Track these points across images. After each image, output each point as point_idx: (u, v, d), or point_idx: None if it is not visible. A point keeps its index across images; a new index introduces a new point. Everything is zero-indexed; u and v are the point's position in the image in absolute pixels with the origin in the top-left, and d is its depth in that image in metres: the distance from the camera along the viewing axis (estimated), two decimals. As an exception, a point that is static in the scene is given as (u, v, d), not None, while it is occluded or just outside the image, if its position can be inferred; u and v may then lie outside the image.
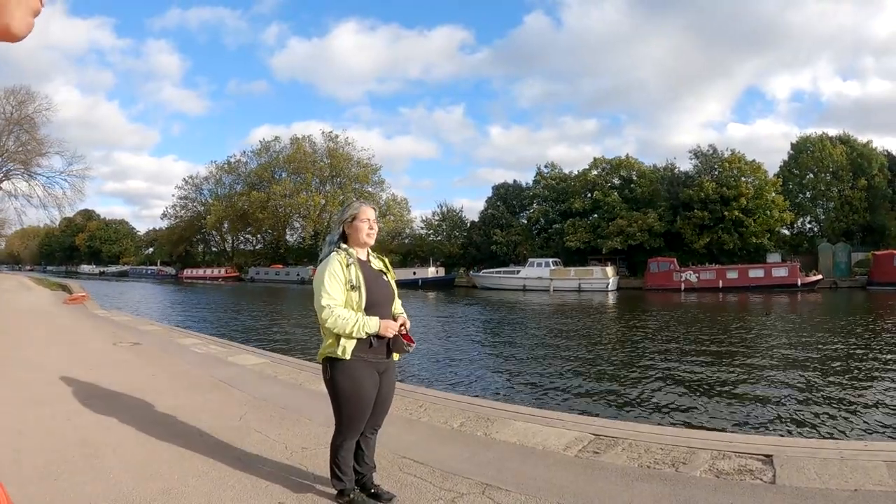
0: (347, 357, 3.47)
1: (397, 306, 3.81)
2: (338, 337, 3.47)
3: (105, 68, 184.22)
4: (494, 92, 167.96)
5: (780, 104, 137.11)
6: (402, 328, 3.67)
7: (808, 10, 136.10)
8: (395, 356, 3.75)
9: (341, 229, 3.71)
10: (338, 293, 3.47)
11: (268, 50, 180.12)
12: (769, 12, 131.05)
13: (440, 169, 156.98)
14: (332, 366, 3.53)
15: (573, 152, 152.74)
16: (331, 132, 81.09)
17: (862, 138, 58.44)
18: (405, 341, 3.65)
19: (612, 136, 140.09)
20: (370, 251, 3.81)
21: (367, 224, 3.68)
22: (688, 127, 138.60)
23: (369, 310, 3.51)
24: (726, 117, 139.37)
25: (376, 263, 3.80)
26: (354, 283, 3.50)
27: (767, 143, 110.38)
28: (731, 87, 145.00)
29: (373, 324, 3.46)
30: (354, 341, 3.47)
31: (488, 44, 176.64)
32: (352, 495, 3.63)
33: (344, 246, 3.65)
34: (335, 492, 3.66)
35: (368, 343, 3.52)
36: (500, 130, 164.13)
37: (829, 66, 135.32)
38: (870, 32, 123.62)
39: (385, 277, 3.77)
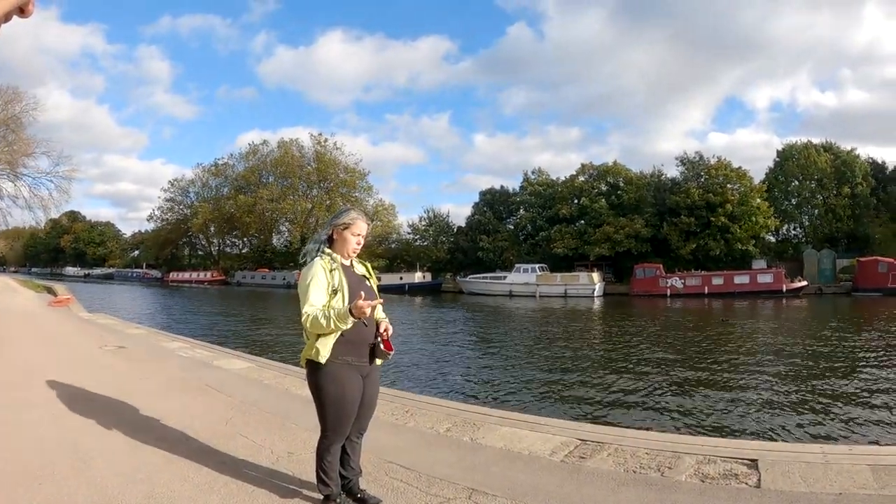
0: (322, 360, 3.44)
1: (379, 312, 3.79)
2: (317, 338, 3.46)
3: (97, 73, 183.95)
4: (480, 100, 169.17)
5: (760, 114, 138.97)
6: (385, 333, 3.67)
7: (787, 23, 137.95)
8: (378, 361, 3.75)
9: (331, 232, 3.70)
10: (320, 299, 3.46)
11: (256, 57, 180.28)
12: (749, 24, 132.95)
13: (427, 175, 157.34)
14: (315, 369, 3.52)
15: (558, 159, 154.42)
16: (319, 135, 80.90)
17: (846, 146, 59.16)
18: (384, 348, 3.65)
19: (597, 143, 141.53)
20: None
21: (357, 239, 3.68)
22: (670, 135, 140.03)
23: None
24: (707, 126, 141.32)
25: (359, 268, 3.80)
26: (337, 287, 3.49)
27: (749, 151, 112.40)
28: (712, 96, 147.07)
29: (344, 311, 3.33)
30: (331, 344, 3.45)
31: (473, 53, 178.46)
32: (338, 500, 3.61)
33: (328, 251, 3.65)
34: (321, 497, 3.64)
35: (346, 352, 3.52)
36: (486, 138, 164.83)
37: (807, 76, 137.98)
38: (847, 44, 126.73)
39: (367, 283, 3.76)
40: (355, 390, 3.57)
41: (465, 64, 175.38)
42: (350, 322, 3.36)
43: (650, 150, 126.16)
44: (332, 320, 3.33)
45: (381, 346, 3.63)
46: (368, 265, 3.92)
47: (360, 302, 3.30)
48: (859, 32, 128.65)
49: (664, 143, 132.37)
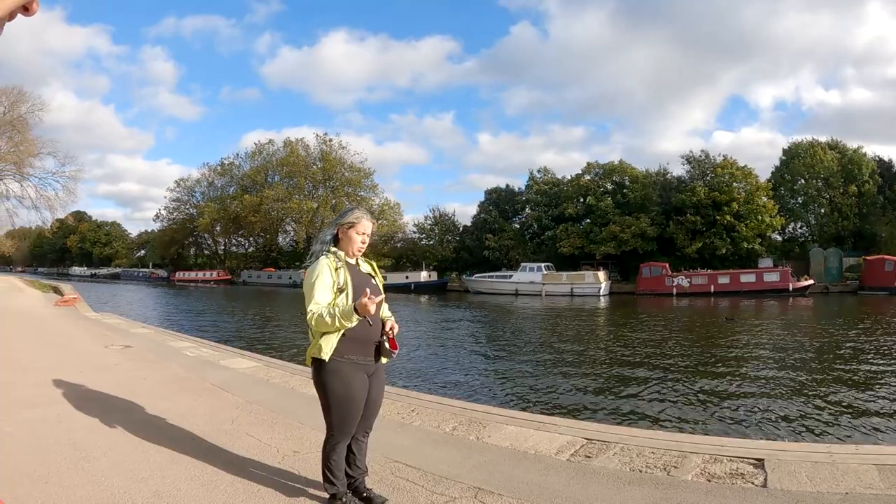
0: (326, 358, 3.45)
1: (385, 310, 3.80)
2: (321, 336, 3.46)
3: (101, 73, 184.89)
4: (483, 100, 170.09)
5: (764, 112, 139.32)
6: (391, 332, 3.67)
7: (788, 22, 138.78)
8: (384, 359, 3.75)
9: (336, 231, 3.70)
10: (325, 297, 3.46)
11: (259, 58, 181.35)
12: (750, 24, 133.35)
13: (431, 174, 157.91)
14: (320, 367, 3.52)
15: (561, 159, 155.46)
16: (324, 135, 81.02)
17: (852, 144, 58.94)
18: (390, 347, 3.65)
19: (600, 143, 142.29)
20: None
21: (362, 238, 3.68)
22: (673, 134, 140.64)
23: (358, 315, 3.50)
24: (711, 125, 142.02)
25: (364, 267, 3.80)
26: (342, 285, 3.50)
27: (754, 150, 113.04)
28: (715, 96, 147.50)
29: (349, 310, 3.35)
30: (335, 342, 3.46)
31: (475, 54, 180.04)
32: (344, 499, 3.61)
33: (334, 249, 3.65)
34: (327, 496, 3.64)
35: (351, 350, 3.52)
36: (490, 137, 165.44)
37: (810, 75, 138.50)
38: (849, 43, 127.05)
39: (373, 281, 3.75)
40: (361, 389, 3.57)
41: (469, 64, 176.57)
42: (355, 320, 3.37)
43: (653, 149, 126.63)
44: (336, 318, 3.34)
45: (387, 344, 3.63)
46: (374, 264, 3.92)
47: (365, 300, 3.31)
48: (862, 31, 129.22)
49: (667, 143, 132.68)
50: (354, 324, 3.40)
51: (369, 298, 3.32)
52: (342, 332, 3.46)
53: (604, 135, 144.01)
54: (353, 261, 3.70)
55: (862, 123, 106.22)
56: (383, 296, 3.61)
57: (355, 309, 3.34)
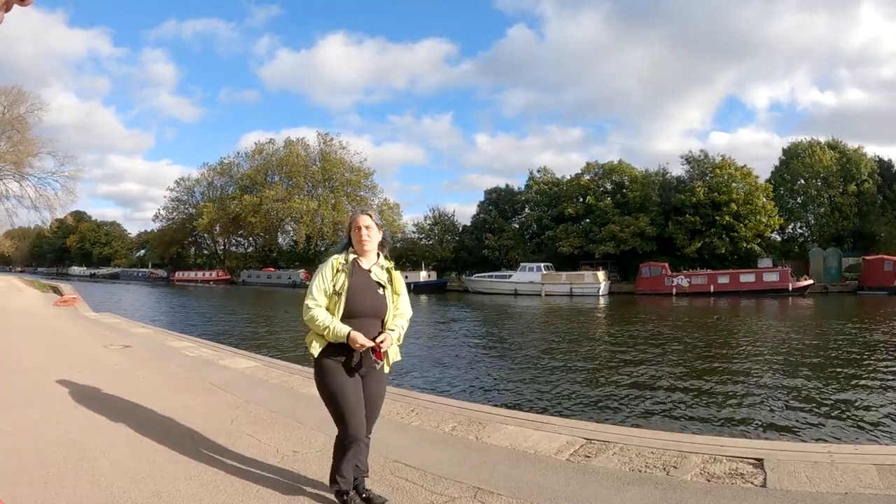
0: (315, 354, 3.54)
1: (392, 321, 3.75)
2: (313, 334, 3.56)
3: (102, 75, 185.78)
4: (481, 101, 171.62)
5: (760, 113, 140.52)
6: (380, 345, 3.56)
7: (784, 23, 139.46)
8: (386, 363, 3.75)
9: (348, 237, 3.78)
10: (321, 296, 3.55)
11: (258, 60, 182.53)
12: (746, 25, 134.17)
13: (429, 175, 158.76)
14: (315, 363, 3.60)
15: (559, 159, 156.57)
16: (325, 134, 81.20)
17: (852, 144, 58.98)
18: (374, 357, 3.55)
19: (597, 143, 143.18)
20: (383, 259, 3.82)
21: (359, 231, 3.69)
22: (670, 134, 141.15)
23: (348, 320, 3.51)
24: (708, 126, 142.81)
25: (379, 274, 3.74)
26: (337, 289, 3.54)
27: (750, 150, 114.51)
28: (711, 96, 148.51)
29: (342, 333, 3.44)
30: (324, 341, 3.53)
31: (473, 56, 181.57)
32: (345, 498, 3.61)
33: (351, 249, 3.73)
34: (327, 495, 3.65)
35: (339, 350, 3.54)
36: (487, 138, 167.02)
37: (805, 76, 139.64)
38: (845, 45, 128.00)
39: (380, 290, 3.70)
40: (352, 387, 3.56)
41: (466, 66, 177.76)
42: (342, 340, 3.48)
43: (650, 150, 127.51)
44: (329, 331, 3.48)
45: (371, 353, 3.54)
46: (395, 273, 3.85)
47: (360, 340, 3.44)
48: (856, 33, 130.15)
49: (664, 143, 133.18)
50: (342, 341, 3.50)
51: (362, 344, 3.46)
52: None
53: (601, 135, 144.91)
54: (367, 266, 3.71)
55: (857, 124, 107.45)
56: (374, 344, 3.55)
57: (348, 335, 3.45)
